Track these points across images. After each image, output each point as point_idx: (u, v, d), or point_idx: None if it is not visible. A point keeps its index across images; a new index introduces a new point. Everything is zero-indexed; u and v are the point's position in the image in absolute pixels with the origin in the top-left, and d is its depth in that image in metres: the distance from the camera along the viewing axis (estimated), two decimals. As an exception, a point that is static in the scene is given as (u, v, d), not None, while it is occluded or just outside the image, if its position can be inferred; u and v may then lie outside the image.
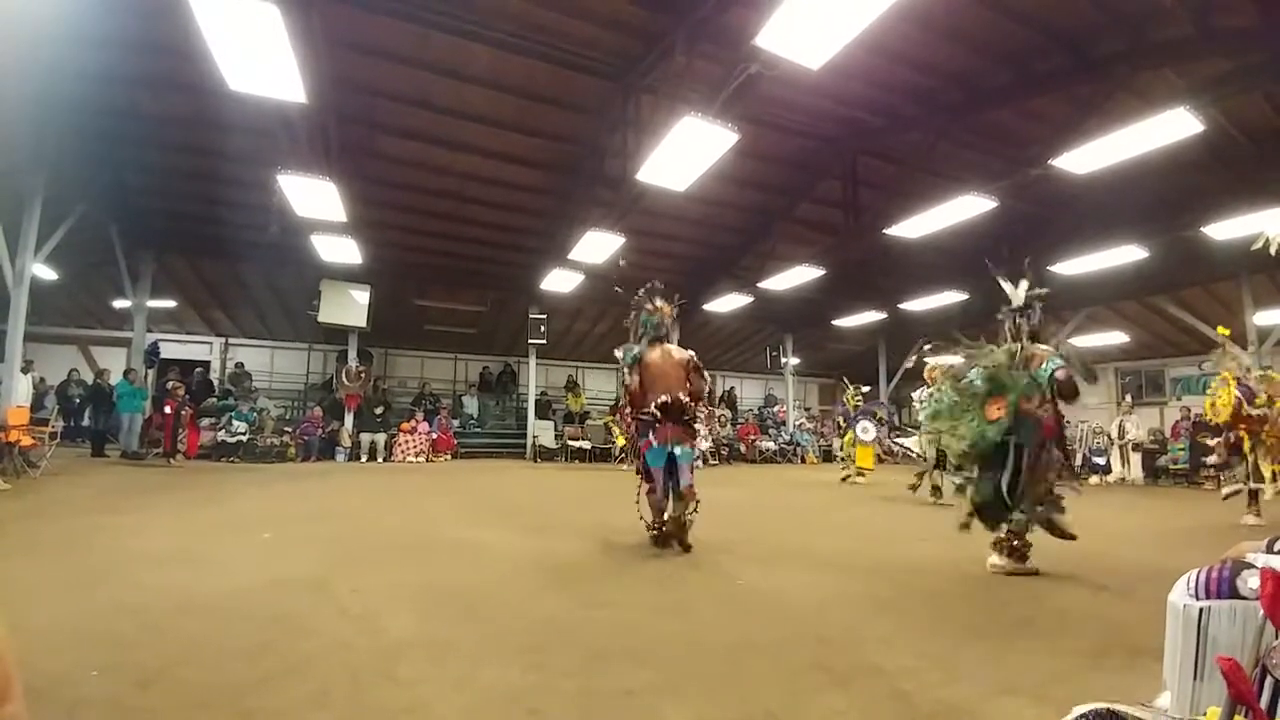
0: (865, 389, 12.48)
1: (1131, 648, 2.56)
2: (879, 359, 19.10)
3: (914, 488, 8.43)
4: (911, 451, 8.75)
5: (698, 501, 4.63)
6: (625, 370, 5.00)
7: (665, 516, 4.63)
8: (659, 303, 5.04)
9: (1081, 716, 0.91)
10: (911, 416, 21.73)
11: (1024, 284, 4.42)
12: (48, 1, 6.35)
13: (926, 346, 9.07)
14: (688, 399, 4.74)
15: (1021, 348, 4.12)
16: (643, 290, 5.12)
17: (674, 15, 7.39)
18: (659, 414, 4.65)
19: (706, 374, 5.05)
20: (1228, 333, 7.24)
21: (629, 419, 5.14)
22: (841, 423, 12.11)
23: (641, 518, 4.76)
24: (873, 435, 11.34)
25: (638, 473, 4.97)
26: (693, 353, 4.98)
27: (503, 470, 11.91)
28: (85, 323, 14.20)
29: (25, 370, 8.93)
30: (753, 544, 4.93)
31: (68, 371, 12.97)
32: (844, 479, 10.90)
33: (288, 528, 4.95)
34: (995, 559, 4.05)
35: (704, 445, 5.03)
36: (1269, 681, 0.84)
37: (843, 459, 11.57)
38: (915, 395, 8.79)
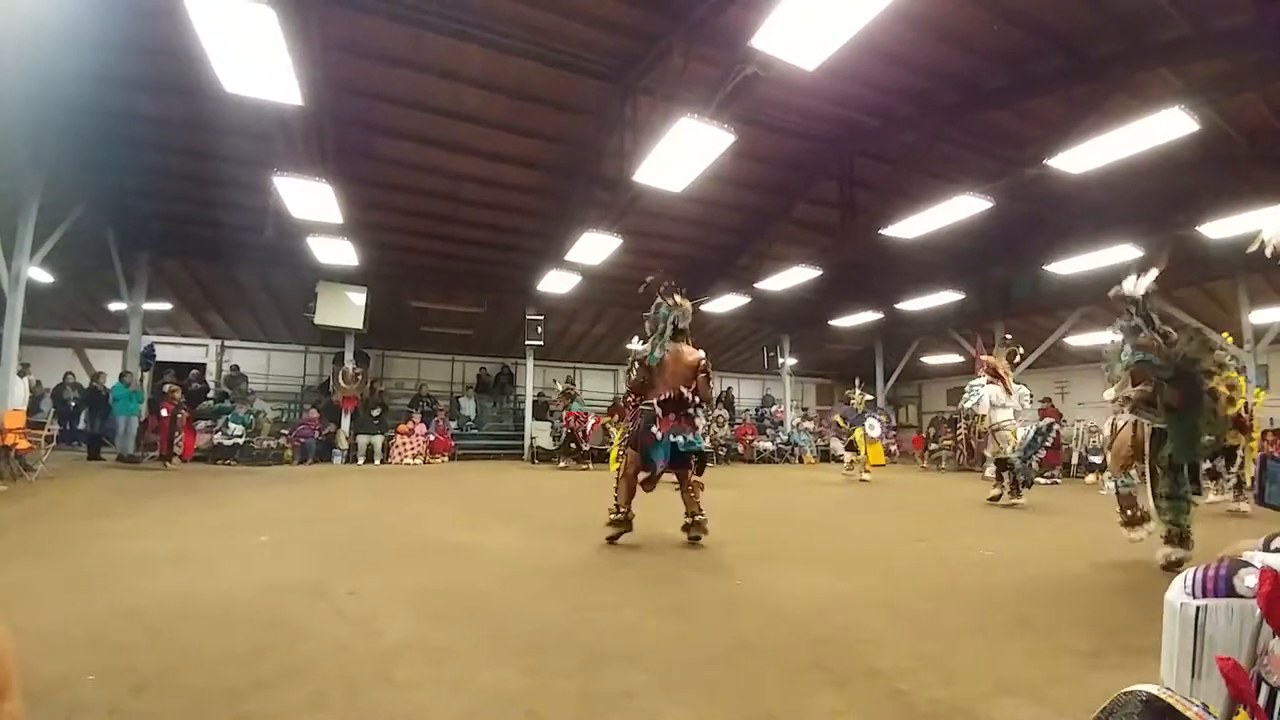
0: (869, 397, 12.56)
1: (1129, 647, 2.57)
2: (876, 359, 19.16)
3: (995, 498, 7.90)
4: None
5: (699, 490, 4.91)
6: (636, 365, 5.05)
7: (630, 506, 4.85)
8: (678, 299, 5.07)
9: (1126, 694, 0.90)
10: (907, 416, 21.89)
11: (1152, 273, 4.41)
12: (46, 4, 6.34)
13: (1006, 336, 9.08)
14: (692, 395, 4.88)
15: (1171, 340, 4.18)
16: (663, 285, 5.11)
17: (671, 17, 7.40)
18: (659, 409, 4.79)
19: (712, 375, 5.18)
20: (1230, 338, 7.37)
21: (631, 410, 5.28)
22: (841, 422, 12.09)
23: (616, 502, 4.86)
24: (879, 432, 11.50)
25: (625, 450, 5.11)
26: (703, 354, 5.06)
27: (500, 471, 11.90)
28: (81, 326, 14.16)
29: (21, 373, 8.92)
30: (751, 544, 4.93)
31: (63, 375, 12.93)
32: (850, 474, 11.05)
33: (285, 530, 4.94)
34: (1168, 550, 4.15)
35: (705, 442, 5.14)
36: (1264, 687, 0.84)
37: (849, 460, 11.58)
38: (973, 385, 8.55)
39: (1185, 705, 0.84)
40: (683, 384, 4.87)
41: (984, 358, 8.48)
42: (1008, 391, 8.05)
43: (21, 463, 7.55)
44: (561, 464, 13.32)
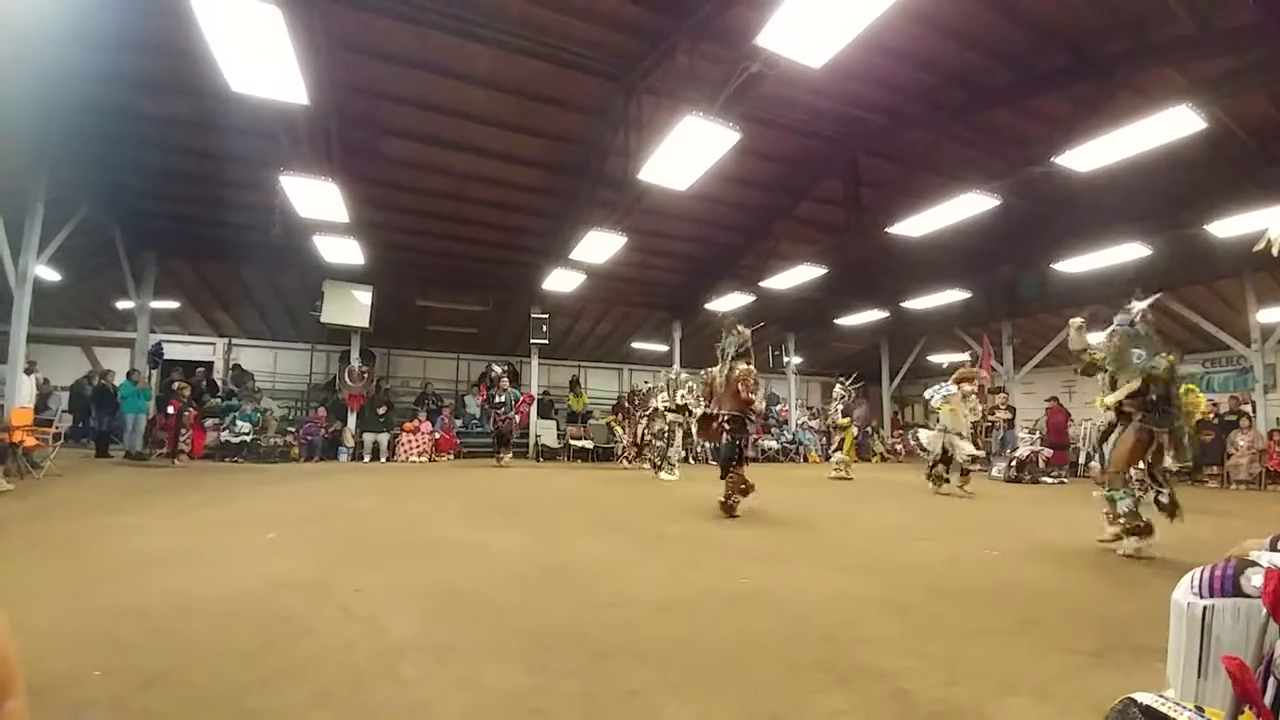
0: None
1: (1135, 646, 2.56)
2: (881, 357, 19.11)
3: (934, 478, 9.03)
4: (923, 445, 9.40)
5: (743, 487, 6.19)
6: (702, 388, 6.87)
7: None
8: (740, 329, 6.51)
9: (1124, 702, 0.91)
10: (913, 414, 21.82)
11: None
12: (51, 3, 6.37)
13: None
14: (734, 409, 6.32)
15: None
16: (727, 321, 6.66)
17: (675, 15, 7.40)
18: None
19: (757, 381, 6.34)
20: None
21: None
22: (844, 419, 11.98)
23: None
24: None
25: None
26: (748, 368, 6.30)
27: (504, 470, 11.90)
28: (88, 324, 14.23)
29: (29, 371, 8.95)
30: (754, 543, 4.92)
31: (85, 373, 13.03)
32: (839, 473, 11.03)
33: (290, 528, 4.96)
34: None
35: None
36: (1272, 681, 0.83)
37: (838, 460, 11.38)
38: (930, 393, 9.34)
39: (1179, 712, 0.84)
40: (729, 397, 6.29)
41: (959, 371, 9.41)
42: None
43: (29, 460, 7.60)
44: (500, 461, 12.32)
